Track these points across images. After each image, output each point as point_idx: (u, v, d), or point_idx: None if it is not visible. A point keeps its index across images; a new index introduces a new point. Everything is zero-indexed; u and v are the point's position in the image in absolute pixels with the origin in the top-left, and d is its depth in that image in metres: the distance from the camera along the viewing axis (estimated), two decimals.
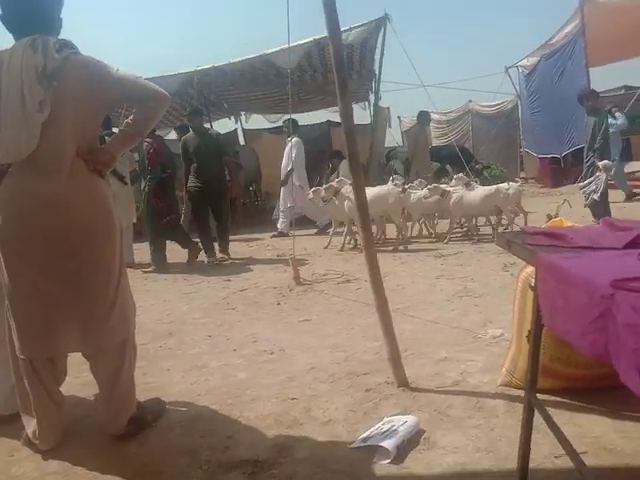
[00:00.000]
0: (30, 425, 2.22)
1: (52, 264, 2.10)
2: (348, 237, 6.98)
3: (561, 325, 1.27)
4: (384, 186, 6.86)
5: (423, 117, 10.70)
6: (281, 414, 2.38)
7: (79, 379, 2.94)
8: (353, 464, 1.94)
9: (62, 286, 2.12)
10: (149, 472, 2.00)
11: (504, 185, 6.60)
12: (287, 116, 8.37)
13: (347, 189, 6.83)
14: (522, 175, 15.28)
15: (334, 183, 7.14)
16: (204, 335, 3.55)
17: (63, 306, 2.14)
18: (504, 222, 6.88)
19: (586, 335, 1.08)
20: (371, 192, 6.48)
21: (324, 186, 7.40)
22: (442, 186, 6.95)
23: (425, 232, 7.67)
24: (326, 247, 7.04)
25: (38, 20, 2.10)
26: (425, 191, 6.79)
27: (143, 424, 2.33)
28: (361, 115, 12.70)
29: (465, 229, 7.41)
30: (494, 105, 16.83)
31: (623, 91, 14.07)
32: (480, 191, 6.66)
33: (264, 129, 15.84)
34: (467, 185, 6.73)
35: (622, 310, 0.96)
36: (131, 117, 2.23)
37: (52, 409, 2.24)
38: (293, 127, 8.06)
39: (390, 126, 15.27)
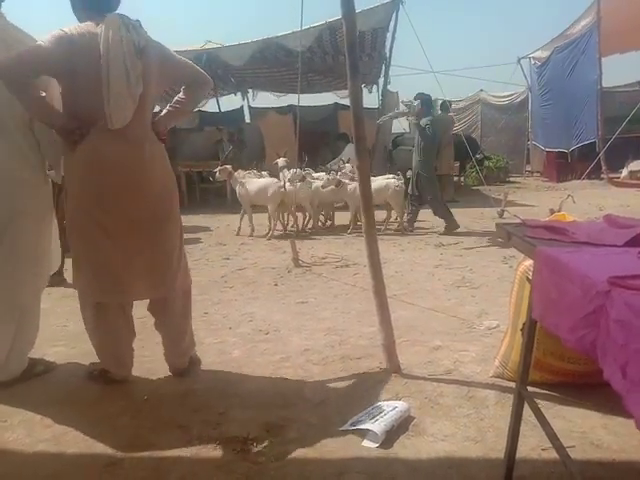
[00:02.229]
0: (105, 361, 2.54)
1: (134, 216, 2.36)
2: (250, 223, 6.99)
3: (552, 318, 1.27)
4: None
5: (446, 106, 10.64)
6: (274, 394, 2.39)
7: (76, 349, 2.97)
8: (342, 446, 1.96)
9: (142, 235, 2.39)
10: (140, 444, 2.02)
11: (393, 181, 6.66)
12: (295, 96, 8.09)
13: (240, 174, 7.04)
14: (527, 168, 15.20)
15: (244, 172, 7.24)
16: (200, 312, 3.56)
17: (141, 254, 2.39)
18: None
19: (576, 330, 1.08)
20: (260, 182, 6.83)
21: (218, 168, 7.38)
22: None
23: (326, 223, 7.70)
24: (237, 234, 7.01)
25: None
26: (324, 181, 6.87)
27: (196, 363, 2.71)
28: (369, 99, 12.62)
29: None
30: (505, 96, 16.66)
31: (637, 87, 13.88)
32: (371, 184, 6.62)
33: (271, 108, 15.76)
34: (337, 184, 6.73)
35: (616, 306, 0.95)
36: (180, 95, 2.57)
37: (126, 345, 2.55)
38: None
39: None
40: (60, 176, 2.68)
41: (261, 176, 7.32)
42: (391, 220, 7.17)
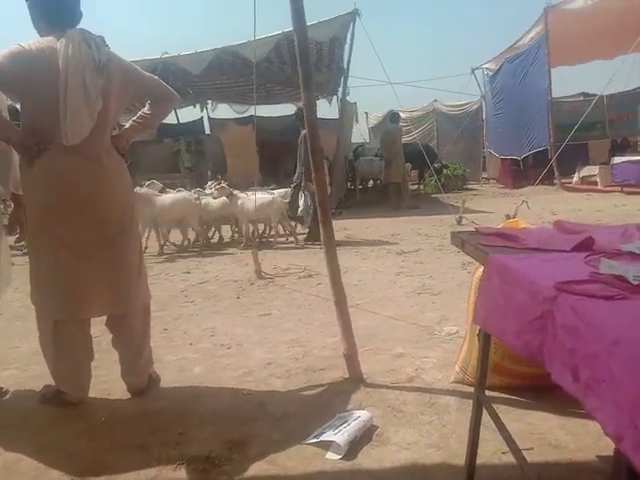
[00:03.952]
0: (61, 381, 2.44)
1: (93, 232, 2.34)
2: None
3: (496, 325, 1.30)
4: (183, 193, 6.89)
5: (396, 117, 10.98)
6: (236, 410, 2.36)
7: (27, 372, 2.86)
8: (305, 460, 1.94)
9: (101, 250, 2.36)
10: (96, 469, 1.95)
11: (277, 198, 6.78)
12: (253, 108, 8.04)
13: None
14: (484, 175, 15.61)
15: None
16: (160, 328, 3.48)
17: (101, 269, 2.37)
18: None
19: (522, 335, 1.10)
20: (169, 198, 6.62)
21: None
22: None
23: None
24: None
25: (74, 14, 2.33)
26: (215, 193, 6.86)
27: (155, 381, 2.65)
28: (330, 110, 12.73)
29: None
30: (459, 105, 17.11)
31: (581, 97, 14.51)
32: (258, 198, 6.69)
33: (231, 119, 15.68)
34: (229, 196, 6.71)
35: (562, 311, 0.98)
36: (145, 110, 2.54)
37: (84, 364, 2.47)
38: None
39: (357, 121, 15.35)
40: (9, 192, 2.59)
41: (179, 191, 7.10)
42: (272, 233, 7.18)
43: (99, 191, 2.33)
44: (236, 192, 6.79)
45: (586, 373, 0.92)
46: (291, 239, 7.10)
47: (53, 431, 2.25)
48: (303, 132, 6.71)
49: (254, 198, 6.41)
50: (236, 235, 7.48)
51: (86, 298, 2.36)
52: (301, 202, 6.82)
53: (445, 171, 13.74)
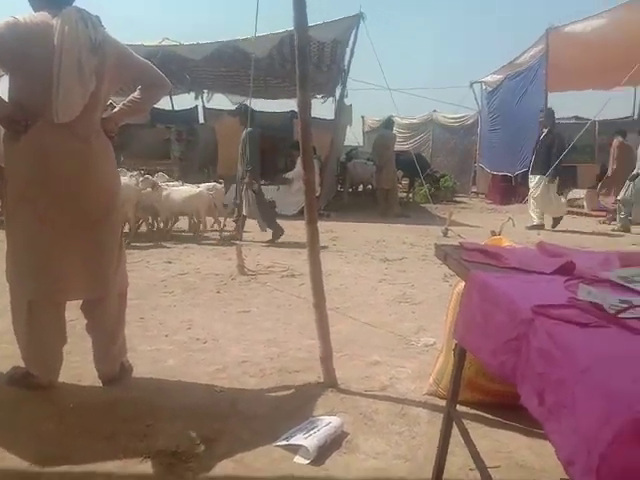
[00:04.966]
0: (32, 363, 2.41)
1: (76, 212, 2.30)
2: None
3: (474, 342, 1.30)
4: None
5: (392, 124, 11.01)
6: (207, 406, 2.34)
7: None
8: (272, 462, 1.94)
9: (83, 231, 2.33)
10: (61, 456, 1.92)
11: (203, 190, 6.79)
12: (251, 99, 7.94)
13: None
14: (473, 189, 15.71)
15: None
16: (136, 317, 3.44)
17: (81, 250, 2.34)
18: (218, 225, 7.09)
19: (497, 355, 1.11)
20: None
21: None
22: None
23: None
24: None
25: None
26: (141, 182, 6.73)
27: (127, 370, 2.60)
28: (325, 110, 12.73)
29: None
30: (456, 118, 17.20)
31: (574, 120, 14.69)
32: (184, 191, 6.78)
33: (226, 110, 15.58)
34: (153, 187, 6.63)
35: (538, 335, 0.99)
36: (136, 95, 2.52)
37: (57, 347, 2.43)
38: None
39: (351, 124, 15.33)
40: None
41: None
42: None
43: (85, 171, 2.31)
44: (162, 184, 6.74)
45: (551, 398, 0.93)
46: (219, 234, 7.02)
47: (19, 413, 2.22)
48: (245, 131, 6.82)
49: (180, 190, 6.44)
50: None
51: (63, 279, 2.33)
52: (245, 202, 6.80)
53: (442, 180, 13.82)
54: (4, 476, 1.81)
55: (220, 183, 7.26)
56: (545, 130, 8.95)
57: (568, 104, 14.77)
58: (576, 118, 14.72)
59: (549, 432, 0.92)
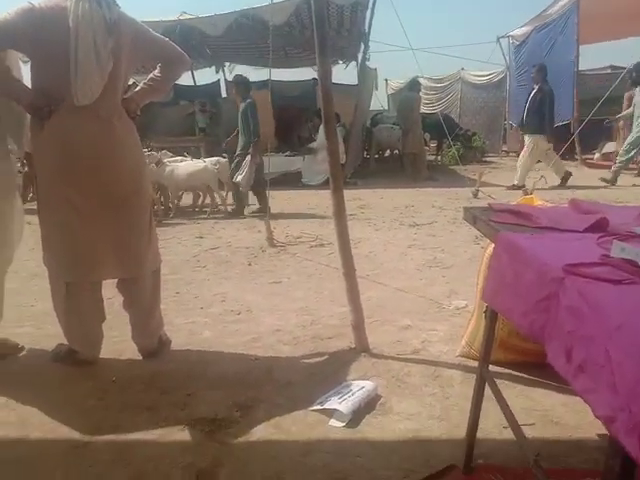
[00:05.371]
0: (74, 341, 2.50)
1: (104, 194, 2.33)
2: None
3: (504, 302, 1.29)
4: None
5: (416, 85, 10.67)
6: (243, 374, 2.40)
7: (42, 330, 2.93)
8: (309, 426, 1.99)
9: (112, 212, 2.37)
10: (106, 427, 2.01)
11: (209, 165, 6.63)
12: (273, 70, 7.79)
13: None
14: (504, 148, 15.30)
15: None
16: (172, 292, 3.53)
17: (112, 231, 2.39)
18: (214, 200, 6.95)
19: (528, 314, 1.09)
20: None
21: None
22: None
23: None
24: None
25: None
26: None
27: (165, 344, 2.67)
28: (348, 75, 12.48)
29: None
30: (485, 75, 16.64)
31: (609, 70, 14.03)
32: (189, 166, 6.61)
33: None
34: (157, 163, 6.50)
35: (568, 294, 0.97)
36: (156, 73, 2.52)
37: (96, 325, 2.52)
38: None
39: (377, 88, 15.00)
40: (23, 151, 2.60)
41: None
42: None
43: (110, 153, 2.33)
44: (166, 160, 6.67)
45: (580, 355, 0.92)
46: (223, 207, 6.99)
47: (65, 389, 2.32)
48: (243, 103, 6.62)
49: (184, 165, 6.33)
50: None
51: (96, 261, 2.39)
52: (244, 172, 6.59)
53: (474, 139, 13.43)
54: (57, 446, 1.91)
55: (224, 158, 7.16)
56: (536, 87, 8.44)
57: (603, 53, 14.04)
58: (612, 68, 14.04)
59: (580, 390, 0.92)
